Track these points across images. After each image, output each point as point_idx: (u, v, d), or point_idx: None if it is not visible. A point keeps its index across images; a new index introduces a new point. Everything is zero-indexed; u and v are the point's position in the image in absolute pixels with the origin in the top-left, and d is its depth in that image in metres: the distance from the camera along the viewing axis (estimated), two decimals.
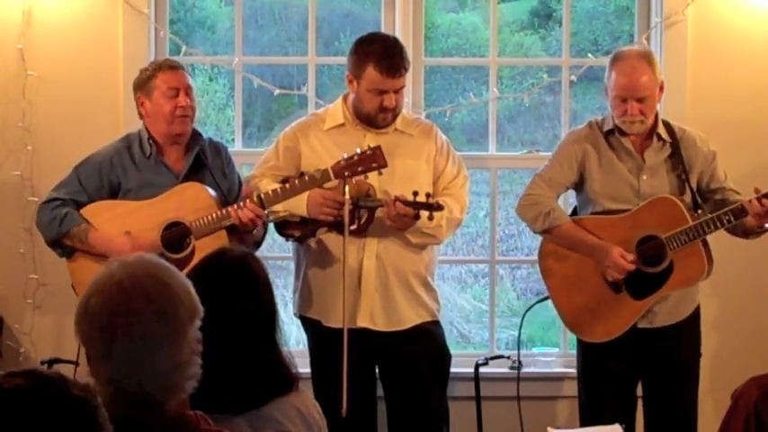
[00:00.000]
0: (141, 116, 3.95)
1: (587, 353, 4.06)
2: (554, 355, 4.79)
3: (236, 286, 2.66)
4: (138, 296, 1.97)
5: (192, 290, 2.07)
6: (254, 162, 4.17)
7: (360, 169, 3.73)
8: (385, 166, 3.74)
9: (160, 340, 1.97)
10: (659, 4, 4.62)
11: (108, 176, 3.91)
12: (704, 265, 3.85)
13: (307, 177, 3.79)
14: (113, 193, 3.91)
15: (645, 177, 3.93)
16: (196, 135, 3.99)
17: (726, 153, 4.14)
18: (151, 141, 3.91)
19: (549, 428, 3.39)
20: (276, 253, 4.94)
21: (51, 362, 4.19)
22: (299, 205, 3.86)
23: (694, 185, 3.93)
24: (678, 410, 4.03)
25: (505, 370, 4.70)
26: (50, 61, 4.53)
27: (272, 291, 2.73)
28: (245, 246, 3.55)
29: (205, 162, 3.95)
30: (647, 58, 3.88)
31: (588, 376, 4.08)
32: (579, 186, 4.04)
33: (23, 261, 4.50)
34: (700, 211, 3.89)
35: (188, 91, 3.90)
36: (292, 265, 4.18)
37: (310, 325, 4.05)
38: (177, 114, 3.87)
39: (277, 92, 4.73)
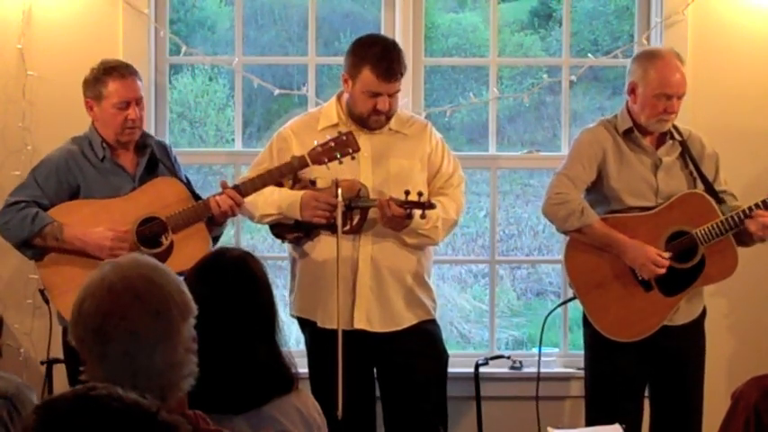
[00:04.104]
0: (89, 115, 3.96)
1: (597, 351, 4.07)
2: (554, 355, 4.79)
3: (235, 286, 2.66)
4: (130, 298, 1.97)
5: (185, 289, 2.07)
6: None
7: (337, 155, 3.77)
8: (358, 150, 3.79)
9: (154, 340, 1.97)
10: (659, 4, 4.62)
11: (66, 178, 3.91)
12: (737, 256, 3.91)
13: (283, 163, 3.84)
14: (73, 195, 3.91)
15: (661, 175, 3.97)
16: (145, 135, 4.01)
17: (726, 152, 4.15)
18: (104, 144, 3.92)
19: (549, 428, 3.39)
20: (276, 253, 4.94)
21: (51, 362, 4.19)
22: (292, 208, 3.87)
23: (703, 183, 3.99)
24: (686, 410, 4.05)
25: (505, 370, 4.70)
26: (50, 61, 4.52)
27: (272, 291, 2.73)
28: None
29: (160, 161, 3.99)
30: (679, 56, 3.98)
31: (598, 374, 4.09)
32: (593, 184, 4.03)
33: (23, 261, 4.48)
34: (723, 206, 3.95)
35: (138, 101, 3.90)
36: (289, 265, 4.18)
37: (306, 326, 4.05)
38: (127, 126, 3.88)
39: (277, 92, 4.73)
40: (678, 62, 3.95)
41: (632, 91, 3.97)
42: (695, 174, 3.99)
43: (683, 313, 3.99)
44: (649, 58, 3.96)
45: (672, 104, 3.91)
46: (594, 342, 4.04)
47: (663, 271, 3.88)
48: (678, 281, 3.93)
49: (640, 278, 3.94)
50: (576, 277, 4.04)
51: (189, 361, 2.04)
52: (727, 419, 3.73)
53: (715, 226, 3.87)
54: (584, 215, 3.92)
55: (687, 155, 3.99)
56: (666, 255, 3.88)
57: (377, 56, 3.84)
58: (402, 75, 3.89)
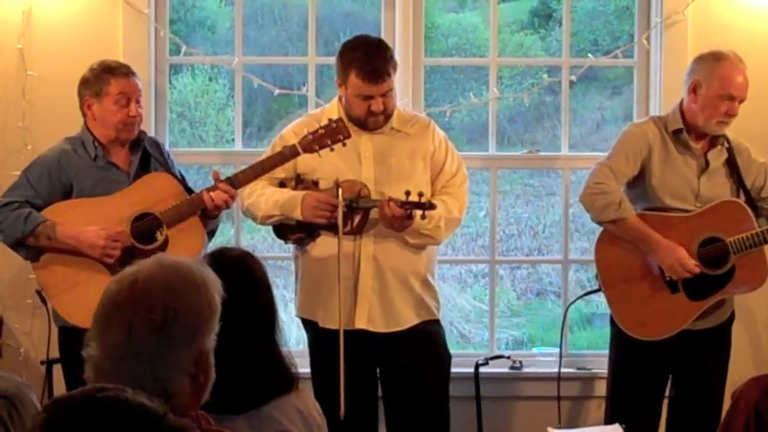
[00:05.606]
0: (84, 115, 3.96)
1: (621, 350, 4.07)
2: (554, 355, 4.78)
3: (235, 286, 2.65)
4: (140, 302, 1.96)
5: (210, 311, 2.02)
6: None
7: (328, 142, 3.77)
8: (349, 137, 3.78)
9: (140, 348, 1.95)
10: (659, 4, 4.62)
11: (59, 177, 3.90)
12: (767, 272, 3.89)
13: (275, 153, 3.84)
14: (66, 195, 3.91)
15: (704, 179, 3.97)
16: (138, 132, 4.01)
17: None
18: (96, 144, 3.92)
19: (549, 428, 3.39)
20: (276, 253, 4.94)
21: (51, 362, 4.19)
22: (293, 209, 3.87)
23: (745, 193, 3.99)
24: (705, 413, 4.04)
25: (505, 370, 4.70)
26: (50, 61, 4.52)
27: (272, 291, 2.73)
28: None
29: (153, 157, 3.99)
30: (742, 61, 3.97)
31: (620, 374, 4.09)
32: (635, 180, 4.02)
33: (24, 261, 4.48)
34: (761, 219, 3.95)
35: (138, 98, 3.92)
36: (293, 266, 4.18)
37: (309, 326, 4.05)
38: (128, 123, 3.90)
39: (277, 92, 4.73)
40: (742, 66, 3.94)
41: (694, 90, 3.95)
42: (739, 182, 3.98)
43: (705, 318, 3.97)
44: (716, 58, 3.95)
45: (733, 107, 3.91)
46: (619, 341, 4.05)
47: (689, 275, 3.87)
48: (705, 287, 3.91)
49: (668, 279, 3.93)
50: (604, 269, 4.04)
51: (180, 382, 1.99)
52: (727, 419, 3.74)
53: (750, 237, 3.86)
54: (621, 208, 3.92)
55: (733, 162, 3.98)
56: (695, 263, 3.87)
57: (360, 60, 3.81)
58: (390, 74, 3.85)
